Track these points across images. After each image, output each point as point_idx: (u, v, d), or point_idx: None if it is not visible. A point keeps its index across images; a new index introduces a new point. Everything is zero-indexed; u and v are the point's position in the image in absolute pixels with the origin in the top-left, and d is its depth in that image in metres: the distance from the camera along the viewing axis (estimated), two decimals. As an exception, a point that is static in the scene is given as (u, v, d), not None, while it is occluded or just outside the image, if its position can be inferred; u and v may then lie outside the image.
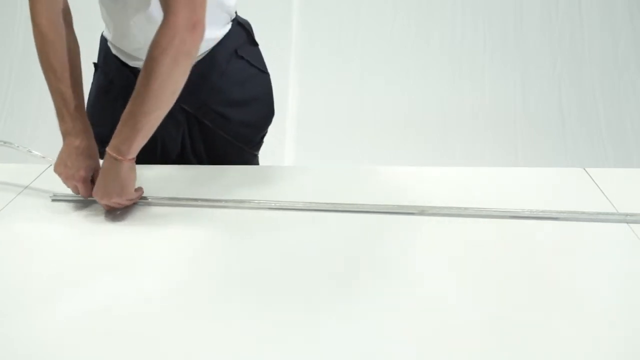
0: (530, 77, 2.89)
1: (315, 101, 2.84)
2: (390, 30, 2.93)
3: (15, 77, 2.96)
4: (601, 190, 1.04)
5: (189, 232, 0.95)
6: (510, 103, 2.85)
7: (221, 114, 1.19)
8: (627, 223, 0.93)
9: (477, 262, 0.85)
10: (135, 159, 0.96)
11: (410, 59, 2.91)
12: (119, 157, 0.93)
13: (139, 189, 1.02)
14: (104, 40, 1.21)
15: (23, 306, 0.79)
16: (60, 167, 1.00)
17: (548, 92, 2.86)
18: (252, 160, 1.31)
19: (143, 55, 0.91)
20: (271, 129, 1.31)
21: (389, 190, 1.06)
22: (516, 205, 0.97)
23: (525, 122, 2.80)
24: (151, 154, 1.14)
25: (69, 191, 1.04)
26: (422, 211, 0.97)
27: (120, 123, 0.93)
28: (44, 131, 2.65)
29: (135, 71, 0.91)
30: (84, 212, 1.02)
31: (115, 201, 0.97)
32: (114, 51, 1.17)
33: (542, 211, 0.95)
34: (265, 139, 1.33)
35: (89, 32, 1.30)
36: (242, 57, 1.19)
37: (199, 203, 1.03)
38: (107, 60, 1.20)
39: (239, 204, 1.02)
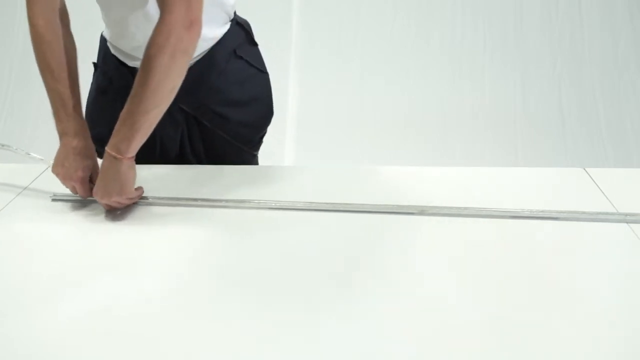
0: (530, 77, 2.89)
1: (315, 101, 2.84)
2: (390, 30, 2.93)
3: (15, 77, 2.96)
4: (601, 190, 1.04)
5: (189, 232, 0.95)
6: (510, 103, 2.85)
7: (220, 114, 1.19)
8: (627, 223, 0.93)
9: (477, 262, 0.85)
10: (134, 158, 0.96)
11: (410, 59, 2.91)
12: (118, 156, 0.93)
13: (139, 189, 1.02)
14: (103, 40, 1.21)
15: (23, 306, 0.79)
16: (58, 168, 1.01)
17: (548, 92, 2.86)
18: (251, 160, 1.31)
19: (141, 54, 0.91)
20: (271, 129, 1.31)
21: (389, 190, 1.06)
22: (516, 205, 0.97)
23: (525, 122, 2.80)
24: (150, 154, 1.14)
25: (68, 191, 1.04)
26: (422, 211, 0.97)
27: (118, 122, 0.93)
28: (44, 131, 2.64)
29: (134, 71, 0.92)
30: (84, 212, 1.02)
31: (115, 200, 0.97)
32: (113, 51, 1.17)
33: (542, 211, 0.95)
34: (265, 139, 1.33)
35: (89, 32, 1.30)
36: (241, 57, 1.19)
37: (199, 203, 1.03)
38: (107, 60, 1.20)
39: (239, 204, 1.02)
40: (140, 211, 1.02)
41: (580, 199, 1.00)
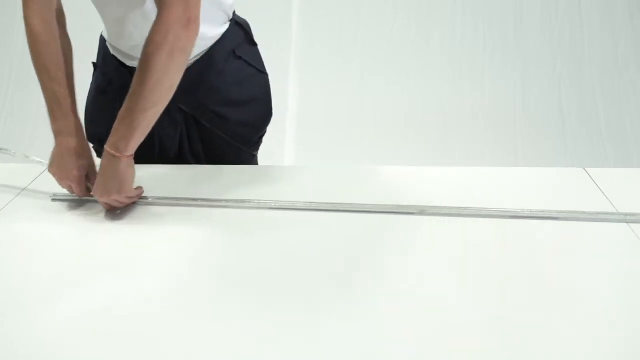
0: (530, 77, 2.89)
1: (315, 101, 2.84)
2: (390, 30, 2.93)
3: (15, 77, 2.96)
4: (601, 190, 1.04)
5: (189, 232, 0.95)
6: (510, 103, 2.85)
7: (219, 114, 1.19)
8: (627, 223, 0.93)
9: (477, 262, 0.85)
10: (133, 156, 0.96)
11: (410, 59, 2.91)
12: (117, 154, 0.93)
13: (139, 188, 1.02)
14: (103, 41, 1.21)
15: (23, 306, 0.79)
16: (54, 168, 1.01)
17: (548, 92, 2.86)
18: (250, 160, 1.31)
19: (140, 53, 0.91)
20: (271, 129, 1.31)
21: (389, 190, 1.06)
22: (516, 205, 0.97)
23: (525, 122, 2.80)
24: (149, 154, 1.14)
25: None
26: (422, 211, 0.97)
27: (117, 120, 0.93)
28: (44, 131, 2.64)
29: (133, 71, 0.92)
30: (83, 212, 1.02)
31: (115, 199, 0.97)
32: (112, 51, 1.18)
33: (542, 211, 0.95)
34: (265, 139, 1.33)
35: (89, 32, 1.30)
36: (240, 57, 1.19)
37: (199, 203, 1.03)
38: (106, 60, 1.20)
39: (239, 203, 1.02)
40: (140, 211, 1.02)
41: (580, 199, 1.00)
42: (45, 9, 1.00)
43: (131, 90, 0.91)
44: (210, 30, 1.12)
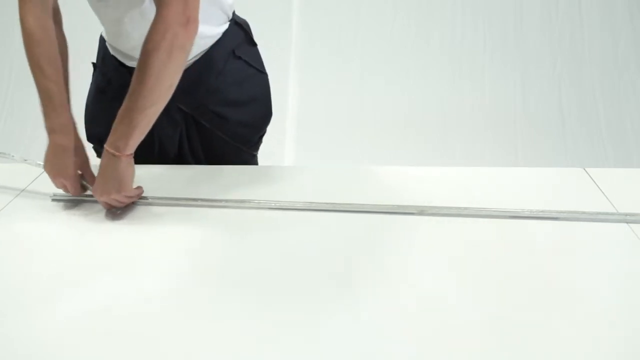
0: (530, 77, 2.89)
1: (315, 101, 2.84)
2: (390, 30, 2.93)
3: (15, 77, 2.96)
4: (601, 190, 1.04)
5: (189, 232, 0.95)
6: (510, 103, 2.85)
7: (218, 114, 1.19)
8: (627, 223, 0.93)
9: (477, 262, 0.85)
10: (133, 155, 0.96)
11: (410, 59, 2.91)
12: (117, 153, 0.93)
13: (139, 188, 1.02)
14: (102, 41, 1.21)
15: (23, 306, 0.79)
16: (47, 166, 1.01)
17: (548, 92, 2.86)
18: (250, 160, 1.31)
19: (139, 53, 0.91)
20: (271, 128, 1.31)
21: (389, 190, 1.06)
22: (516, 205, 0.97)
23: (525, 122, 2.80)
24: (149, 154, 1.14)
25: (68, 191, 1.04)
26: (422, 211, 0.97)
27: (116, 119, 0.93)
28: (44, 131, 2.64)
29: (132, 71, 0.92)
30: (83, 213, 1.02)
31: (114, 198, 0.97)
32: (112, 51, 1.17)
33: (542, 211, 0.95)
34: (265, 139, 1.33)
35: (89, 32, 1.30)
36: (239, 57, 1.19)
37: (199, 203, 1.03)
38: (106, 60, 1.20)
39: (238, 204, 1.02)
40: (140, 211, 1.02)
41: (580, 199, 1.00)
42: (40, 7, 1.00)
43: (130, 89, 0.91)
44: (210, 29, 1.12)
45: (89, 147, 1.21)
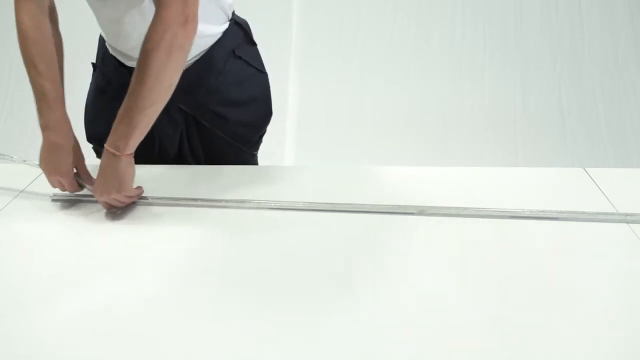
0: (530, 77, 2.89)
1: (315, 101, 2.84)
2: (390, 30, 2.93)
3: (15, 77, 2.96)
4: (601, 190, 1.04)
5: (189, 232, 0.95)
6: (510, 103, 2.85)
7: (219, 114, 1.19)
8: (627, 223, 0.93)
9: (477, 262, 0.85)
10: (133, 155, 0.96)
11: (410, 59, 2.91)
12: (117, 153, 0.93)
13: (139, 188, 1.02)
14: (102, 41, 1.21)
15: (23, 306, 0.79)
16: (43, 164, 1.01)
17: (548, 92, 2.86)
18: (250, 160, 1.31)
19: (139, 53, 0.91)
20: (271, 128, 1.31)
21: (389, 190, 1.06)
22: (516, 205, 0.97)
23: (525, 122, 2.80)
24: (149, 154, 1.14)
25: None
26: (421, 211, 0.97)
27: (116, 119, 0.93)
28: (44, 131, 2.65)
29: (132, 71, 0.92)
30: (83, 212, 1.02)
31: (114, 197, 0.97)
32: (111, 51, 1.17)
33: (542, 211, 0.95)
34: (265, 139, 1.33)
35: (89, 32, 1.30)
36: (239, 57, 1.19)
37: (199, 203, 1.03)
38: (105, 60, 1.20)
39: (238, 204, 1.02)
40: (140, 211, 1.02)
41: (580, 199, 1.00)
42: (35, 6, 1.00)
43: (130, 89, 0.91)
44: (209, 28, 1.12)
45: (88, 148, 1.21)
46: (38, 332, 0.74)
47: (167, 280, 0.84)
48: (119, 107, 0.93)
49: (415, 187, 1.06)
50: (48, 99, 0.99)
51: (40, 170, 1.05)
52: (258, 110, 1.26)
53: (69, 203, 1.05)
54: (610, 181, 1.06)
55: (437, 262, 0.85)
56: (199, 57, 1.14)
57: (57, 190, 1.05)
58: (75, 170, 1.03)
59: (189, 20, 0.90)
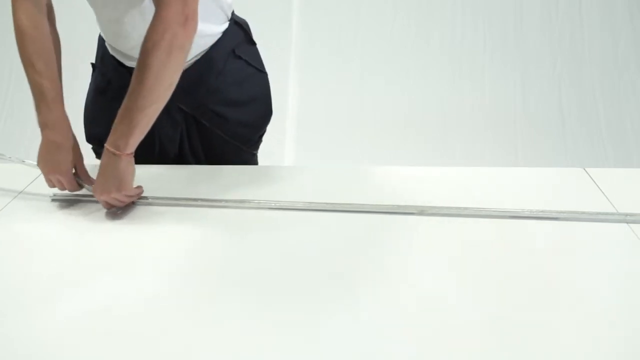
0: (530, 77, 2.88)
1: (315, 101, 2.84)
2: (390, 30, 2.93)
3: (15, 77, 2.96)
4: (601, 190, 1.04)
5: (189, 232, 0.95)
6: (510, 103, 2.85)
7: (219, 113, 1.19)
8: (627, 223, 0.93)
9: (477, 262, 0.85)
10: (133, 154, 0.96)
11: (410, 59, 2.91)
12: (117, 152, 0.93)
13: (139, 187, 1.02)
14: (101, 41, 1.21)
15: (23, 306, 0.79)
16: (41, 163, 1.01)
17: (548, 92, 2.86)
18: (250, 159, 1.31)
19: (138, 53, 0.91)
20: (271, 128, 1.31)
21: (389, 190, 1.05)
22: (516, 205, 0.97)
23: (525, 122, 2.80)
24: (149, 154, 1.14)
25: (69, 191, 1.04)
26: (421, 211, 0.97)
27: (117, 119, 0.93)
28: (44, 131, 2.65)
29: (132, 71, 0.92)
30: (83, 212, 1.02)
31: (115, 197, 0.97)
32: (111, 51, 1.17)
33: (542, 211, 0.95)
34: (265, 139, 1.33)
35: (89, 32, 1.30)
36: (239, 57, 1.19)
37: (199, 203, 1.03)
38: (105, 60, 1.20)
39: (238, 204, 1.02)
40: (140, 211, 1.02)
41: (580, 199, 1.00)
42: (33, 5, 1.00)
43: (130, 88, 0.91)
44: (209, 28, 1.12)
45: (88, 148, 1.21)
46: (38, 332, 0.74)
47: (167, 280, 0.84)
48: (118, 107, 0.93)
49: (415, 187, 1.06)
50: (47, 98, 0.99)
51: (39, 171, 1.05)
52: (258, 110, 1.26)
53: (69, 203, 1.05)
54: (610, 181, 1.06)
55: (437, 262, 0.85)
56: (199, 57, 1.14)
57: (57, 190, 1.05)
58: (73, 170, 1.03)
59: (189, 20, 0.90)
